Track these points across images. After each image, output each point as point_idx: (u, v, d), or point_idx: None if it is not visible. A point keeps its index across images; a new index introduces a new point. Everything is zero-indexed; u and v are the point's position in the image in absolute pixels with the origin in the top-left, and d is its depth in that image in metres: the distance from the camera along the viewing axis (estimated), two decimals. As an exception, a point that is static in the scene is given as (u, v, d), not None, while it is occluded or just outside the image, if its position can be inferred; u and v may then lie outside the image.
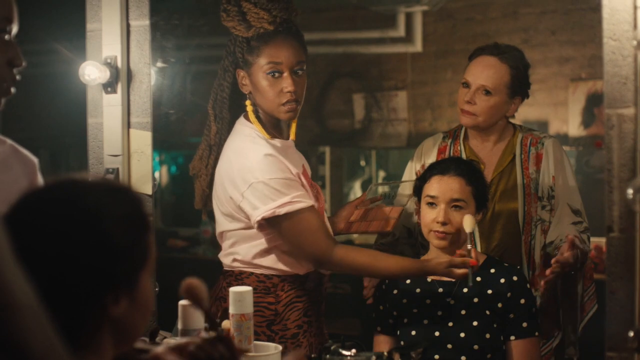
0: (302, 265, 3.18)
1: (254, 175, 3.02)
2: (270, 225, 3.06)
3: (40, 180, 2.75)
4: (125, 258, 1.56)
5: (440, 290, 3.11)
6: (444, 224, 3.06)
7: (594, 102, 6.11)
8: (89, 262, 1.50)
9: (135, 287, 1.59)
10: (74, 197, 1.55)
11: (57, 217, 1.52)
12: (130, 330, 1.62)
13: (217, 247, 3.33)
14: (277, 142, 3.16)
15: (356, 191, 7.07)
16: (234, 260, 3.17)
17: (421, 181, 3.18)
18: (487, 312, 3.04)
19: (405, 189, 3.50)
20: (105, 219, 1.54)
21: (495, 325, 3.04)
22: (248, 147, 3.10)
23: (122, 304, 1.55)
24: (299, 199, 3.03)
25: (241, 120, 3.22)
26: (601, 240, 5.18)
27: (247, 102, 3.19)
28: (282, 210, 3.01)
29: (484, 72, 3.37)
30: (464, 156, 3.45)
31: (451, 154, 3.49)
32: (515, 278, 3.08)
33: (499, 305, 3.05)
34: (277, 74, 3.11)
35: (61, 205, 1.54)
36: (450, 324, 3.06)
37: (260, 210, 3.01)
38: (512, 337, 3.05)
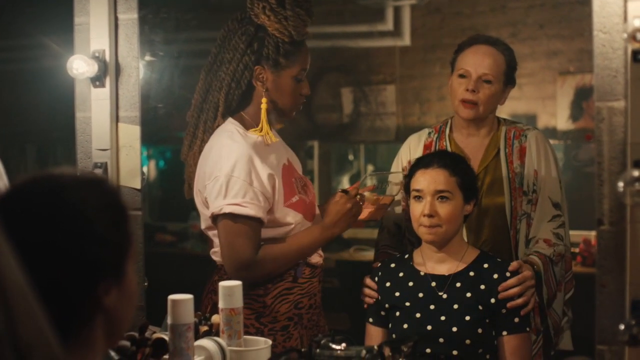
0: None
1: (221, 169, 3.04)
2: (216, 222, 3.09)
3: (4, 180, 2.74)
4: (111, 247, 1.57)
5: (433, 284, 3.11)
6: (430, 216, 3.06)
7: (582, 96, 6.12)
8: (78, 252, 1.51)
9: (123, 277, 1.60)
10: (56, 190, 1.56)
11: (42, 210, 1.52)
12: (120, 322, 1.63)
13: (206, 242, 3.33)
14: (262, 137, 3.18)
15: (344, 185, 7.05)
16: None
17: (408, 178, 3.19)
18: (480, 307, 3.04)
19: (397, 179, 3.50)
20: (88, 209, 1.55)
21: (487, 321, 3.05)
22: (224, 143, 3.12)
23: (112, 294, 1.56)
24: (247, 204, 3.03)
25: (229, 120, 3.23)
26: (590, 234, 5.18)
27: (263, 100, 3.19)
28: (228, 209, 3.02)
29: (485, 61, 3.36)
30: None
31: (437, 149, 3.47)
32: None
33: (492, 300, 3.05)
34: (301, 79, 3.22)
35: (44, 198, 1.54)
36: (443, 318, 3.05)
37: (213, 205, 3.05)
38: (504, 333, 3.05)
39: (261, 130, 3.15)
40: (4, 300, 1.19)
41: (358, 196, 3.31)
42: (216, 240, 3.17)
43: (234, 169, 3.03)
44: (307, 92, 3.25)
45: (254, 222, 3.05)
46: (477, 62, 3.36)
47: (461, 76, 3.38)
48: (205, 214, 3.16)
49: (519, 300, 3.05)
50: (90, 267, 1.53)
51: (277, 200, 3.12)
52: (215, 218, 3.07)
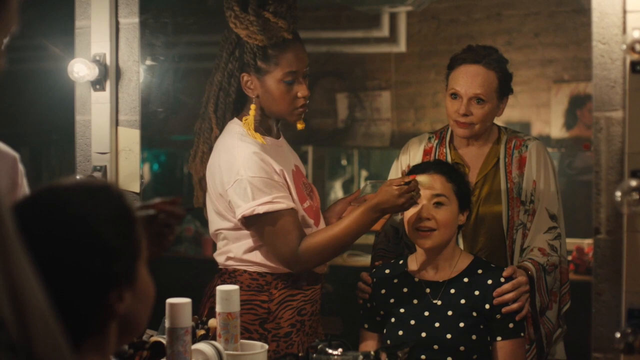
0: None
1: (239, 172, 3.05)
2: (250, 223, 3.09)
3: (21, 174, 2.74)
4: (120, 255, 1.58)
5: (428, 290, 3.12)
6: (427, 220, 3.07)
7: (576, 104, 6.13)
8: (87, 266, 1.52)
9: (136, 280, 1.62)
10: (59, 204, 1.57)
11: (50, 225, 1.53)
12: (137, 322, 1.66)
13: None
14: (267, 140, 3.18)
15: (337, 190, 7.06)
16: (228, 258, 3.19)
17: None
18: (474, 314, 3.05)
19: None
20: (93, 221, 1.56)
21: (481, 327, 3.05)
22: (236, 144, 3.12)
23: (126, 299, 1.58)
24: (279, 200, 3.06)
25: (234, 120, 3.23)
26: (583, 242, 5.20)
27: (252, 107, 3.19)
28: (262, 209, 3.03)
29: (475, 81, 3.34)
30: (449, 159, 3.43)
31: (436, 156, 3.48)
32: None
33: (486, 306, 3.06)
34: (293, 82, 3.16)
35: (47, 213, 1.55)
36: (437, 324, 3.06)
37: (242, 208, 3.05)
38: (499, 338, 3.05)
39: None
40: (22, 316, 1.20)
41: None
42: (229, 242, 3.19)
43: (253, 169, 3.05)
44: (304, 93, 3.18)
45: (289, 214, 3.08)
46: (467, 83, 3.34)
47: (453, 96, 3.38)
48: (227, 216, 3.16)
49: (514, 306, 3.07)
50: (100, 280, 1.54)
51: (294, 197, 3.15)
52: (248, 220, 3.08)
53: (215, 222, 3.22)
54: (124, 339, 1.65)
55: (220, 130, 3.24)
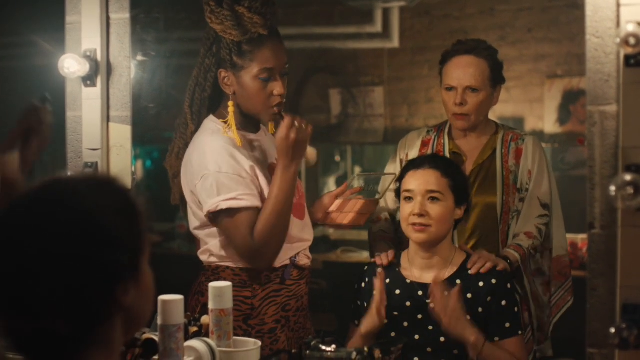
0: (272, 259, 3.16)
1: (207, 167, 3.05)
2: (215, 219, 3.08)
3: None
4: (126, 248, 1.58)
5: (420, 293, 3.10)
6: (420, 215, 3.06)
7: (569, 99, 6.14)
8: (94, 260, 1.52)
9: (139, 275, 1.61)
10: (65, 198, 1.56)
11: (53, 219, 1.52)
12: (138, 317, 1.65)
13: (192, 242, 3.33)
14: (243, 137, 3.17)
15: (330, 187, 7.05)
16: (210, 255, 3.19)
17: (399, 180, 3.19)
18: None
19: (386, 182, 3.51)
20: (99, 214, 1.56)
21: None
22: (207, 140, 3.12)
23: (130, 293, 1.57)
24: (243, 197, 3.04)
25: (210, 117, 3.23)
26: (577, 237, 5.21)
27: (230, 103, 3.17)
28: (225, 205, 3.02)
29: (467, 72, 3.44)
30: (447, 149, 3.51)
31: (434, 146, 3.55)
32: (494, 281, 3.06)
33: (480, 309, 3.03)
34: (269, 79, 3.13)
35: (53, 208, 1.54)
36: (430, 327, 3.04)
37: (208, 204, 3.05)
38: (496, 338, 3.02)
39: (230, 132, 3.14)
40: None
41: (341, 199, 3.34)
42: (207, 240, 3.17)
43: (221, 165, 3.03)
44: (279, 91, 3.13)
45: (253, 213, 3.05)
46: (460, 75, 3.44)
47: (448, 90, 3.48)
48: (198, 214, 3.14)
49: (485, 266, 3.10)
50: (107, 273, 1.54)
51: (263, 191, 3.12)
52: (213, 216, 3.07)
53: (192, 221, 3.22)
54: (128, 332, 1.65)
55: (195, 125, 3.24)
